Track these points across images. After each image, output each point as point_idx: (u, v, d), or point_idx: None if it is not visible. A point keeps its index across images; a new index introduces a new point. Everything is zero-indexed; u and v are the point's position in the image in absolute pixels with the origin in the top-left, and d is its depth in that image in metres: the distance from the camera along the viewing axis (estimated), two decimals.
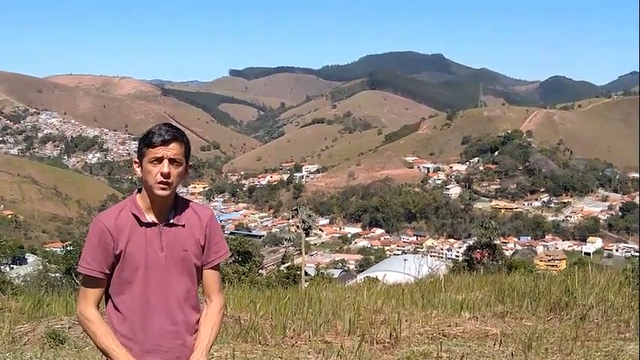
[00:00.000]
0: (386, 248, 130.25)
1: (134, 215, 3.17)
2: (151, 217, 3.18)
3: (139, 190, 3.23)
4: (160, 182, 3.09)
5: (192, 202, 3.35)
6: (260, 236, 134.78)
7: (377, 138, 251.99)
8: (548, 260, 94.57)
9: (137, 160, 3.18)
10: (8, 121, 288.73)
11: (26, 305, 8.66)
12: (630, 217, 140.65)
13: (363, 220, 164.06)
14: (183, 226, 3.22)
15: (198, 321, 3.31)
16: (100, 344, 3.15)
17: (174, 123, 3.35)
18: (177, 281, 3.21)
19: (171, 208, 3.22)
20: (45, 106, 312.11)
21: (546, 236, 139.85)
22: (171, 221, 3.20)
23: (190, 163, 3.26)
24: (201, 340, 3.27)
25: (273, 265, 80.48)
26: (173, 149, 3.10)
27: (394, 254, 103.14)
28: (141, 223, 3.16)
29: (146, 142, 3.12)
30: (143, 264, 3.14)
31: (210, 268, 3.34)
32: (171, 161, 3.10)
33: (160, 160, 3.09)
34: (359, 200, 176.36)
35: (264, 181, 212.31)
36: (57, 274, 26.29)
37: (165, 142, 3.09)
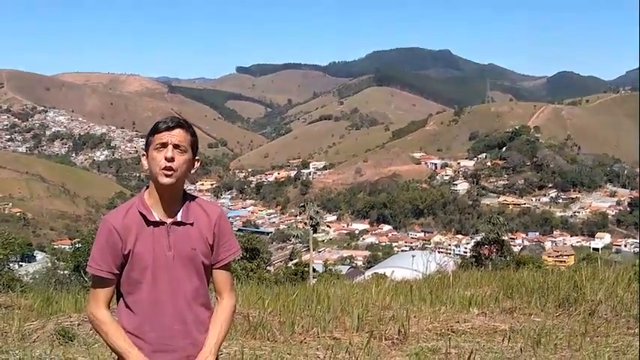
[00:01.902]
0: (394, 244, 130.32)
1: (141, 214, 3.14)
2: (158, 215, 3.16)
3: (148, 187, 3.21)
4: (164, 168, 3.07)
5: (202, 199, 3.32)
6: (268, 233, 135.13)
7: (384, 134, 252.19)
8: (557, 256, 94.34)
9: (144, 153, 3.17)
10: (16, 119, 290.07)
11: (35, 302, 8.68)
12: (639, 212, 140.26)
13: (371, 216, 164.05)
14: (192, 224, 3.18)
15: (208, 319, 3.27)
16: (112, 344, 3.14)
17: None
18: (186, 280, 3.18)
19: (180, 205, 3.19)
20: (53, 103, 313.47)
21: (554, 232, 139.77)
22: (180, 219, 3.17)
23: (198, 158, 3.24)
24: (209, 338, 3.23)
25: (281, 261, 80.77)
26: (177, 135, 3.10)
27: (402, 250, 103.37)
28: (148, 222, 3.14)
29: (152, 130, 3.14)
30: (151, 263, 3.12)
31: (220, 267, 3.31)
32: (176, 147, 3.09)
33: (164, 145, 3.08)
34: (366, 196, 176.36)
35: (271, 178, 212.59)
36: (65, 272, 26.37)
37: (169, 128, 3.10)
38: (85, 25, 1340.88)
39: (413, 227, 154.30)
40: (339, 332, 7.19)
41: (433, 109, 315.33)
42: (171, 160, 3.07)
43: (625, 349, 6.44)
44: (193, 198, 3.28)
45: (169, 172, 3.07)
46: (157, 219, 3.15)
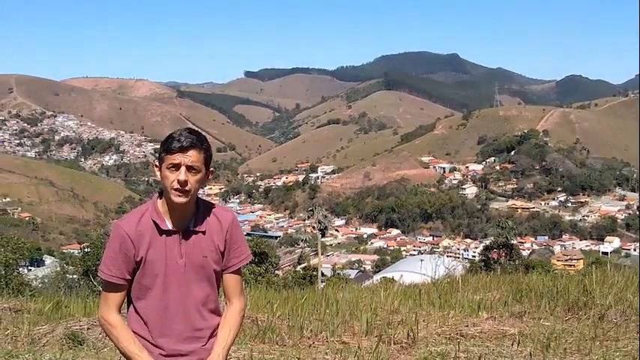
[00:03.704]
0: (402, 249, 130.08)
1: (154, 222, 3.15)
2: (171, 223, 3.17)
3: (160, 194, 3.21)
4: (176, 189, 3.06)
5: (214, 205, 3.31)
6: (276, 237, 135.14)
7: (392, 138, 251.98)
8: (566, 260, 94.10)
9: (157, 165, 3.16)
10: (25, 124, 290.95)
11: (45, 307, 8.70)
12: None
13: (379, 220, 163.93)
14: (204, 232, 3.19)
15: (218, 325, 3.29)
16: (122, 349, 3.16)
17: (189, 125, 3.35)
18: (197, 287, 3.20)
19: (193, 213, 3.19)
20: (62, 108, 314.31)
21: (563, 236, 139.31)
22: (191, 228, 3.18)
23: (211, 169, 3.23)
24: (218, 342, 3.25)
25: (289, 265, 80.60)
26: (191, 156, 3.06)
27: (410, 254, 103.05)
28: (161, 231, 3.15)
29: (165, 147, 3.10)
30: (163, 271, 3.14)
31: (231, 272, 3.32)
32: (189, 168, 3.06)
33: (177, 166, 3.06)
34: (375, 201, 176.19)
35: (279, 182, 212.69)
36: (74, 276, 26.36)
37: (183, 149, 3.05)
38: (93, 30, 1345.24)
39: (421, 231, 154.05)
40: (347, 336, 7.19)
41: (441, 113, 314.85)
42: (185, 184, 3.06)
43: (635, 353, 6.41)
44: (207, 205, 3.28)
45: (182, 194, 3.08)
46: (170, 227, 3.16)
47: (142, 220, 3.16)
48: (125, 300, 3.25)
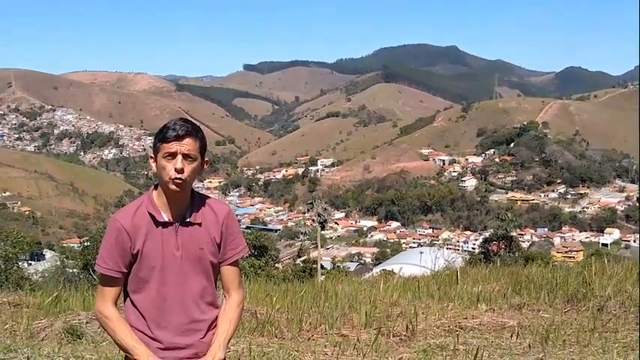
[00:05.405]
0: (402, 241, 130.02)
1: (150, 214, 3.15)
2: (167, 215, 3.17)
3: (156, 186, 3.21)
4: (173, 178, 3.07)
5: (210, 197, 3.32)
6: (276, 230, 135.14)
7: (392, 131, 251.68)
8: (566, 252, 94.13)
9: (152, 156, 3.17)
10: (24, 118, 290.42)
11: (44, 301, 8.71)
12: None
13: (379, 213, 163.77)
14: (200, 224, 3.19)
15: (216, 318, 3.29)
16: (119, 341, 3.15)
17: (189, 118, 3.32)
18: (194, 279, 3.20)
19: (188, 205, 3.19)
20: (61, 102, 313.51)
21: (563, 228, 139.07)
22: (188, 220, 3.19)
23: (207, 159, 3.23)
24: (218, 334, 3.25)
25: (289, 258, 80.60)
26: (187, 144, 3.08)
27: (410, 247, 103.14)
28: (157, 223, 3.15)
29: (160, 137, 3.10)
30: (159, 263, 3.14)
31: (228, 265, 3.32)
32: (185, 156, 3.07)
33: (173, 155, 3.06)
34: (374, 193, 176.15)
35: (279, 175, 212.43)
36: (74, 270, 26.35)
37: (178, 138, 3.07)
38: (92, 23, 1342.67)
39: (421, 224, 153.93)
40: (347, 329, 7.19)
41: (441, 105, 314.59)
42: (181, 171, 3.07)
43: (634, 344, 6.42)
44: (202, 197, 3.29)
45: (179, 182, 3.09)
46: (166, 219, 3.17)
47: (137, 212, 3.16)
48: (121, 293, 3.25)
